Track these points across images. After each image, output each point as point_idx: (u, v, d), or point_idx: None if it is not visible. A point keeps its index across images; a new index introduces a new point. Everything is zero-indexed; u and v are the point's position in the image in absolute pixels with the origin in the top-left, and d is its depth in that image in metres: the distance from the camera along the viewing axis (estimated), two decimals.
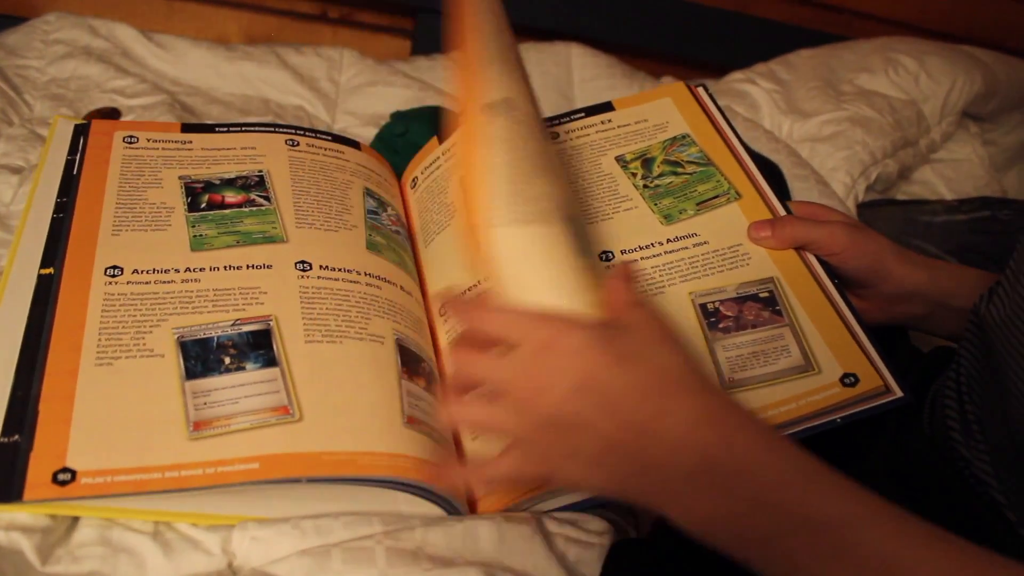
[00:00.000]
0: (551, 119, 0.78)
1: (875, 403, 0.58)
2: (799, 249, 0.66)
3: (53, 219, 0.62)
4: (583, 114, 0.79)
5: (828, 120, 1.11)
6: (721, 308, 0.63)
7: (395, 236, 0.70)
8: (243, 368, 0.55)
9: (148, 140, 0.70)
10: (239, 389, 0.54)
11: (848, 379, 0.58)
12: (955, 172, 1.19)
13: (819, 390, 0.58)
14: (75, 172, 0.66)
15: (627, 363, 0.45)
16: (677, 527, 0.46)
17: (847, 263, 0.66)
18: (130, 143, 0.70)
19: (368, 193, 0.72)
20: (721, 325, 0.62)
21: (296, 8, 1.36)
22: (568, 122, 0.78)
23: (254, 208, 0.66)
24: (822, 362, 0.60)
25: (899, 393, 0.58)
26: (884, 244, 0.67)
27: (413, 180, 0.77)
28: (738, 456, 0.44)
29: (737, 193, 0.71)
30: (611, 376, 0.44)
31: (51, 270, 0.59)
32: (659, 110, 0.79)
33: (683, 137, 0.75)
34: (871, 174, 1.07)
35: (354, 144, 0.77)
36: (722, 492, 0.44)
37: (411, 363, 0.60)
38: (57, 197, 0.64)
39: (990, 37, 1.41)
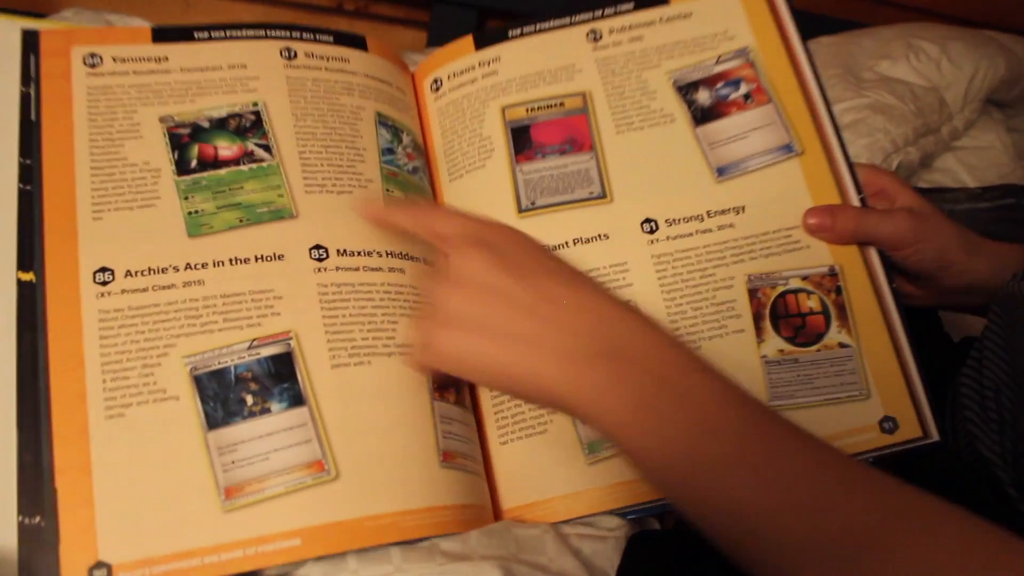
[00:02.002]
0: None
1: (907, 447, 0.57)
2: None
3: (21, 193, 0.53)
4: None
5: (849, 108, 1.06)
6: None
7: (412, 178, 0.62)
8: (268, 410, 0.51)
9: (115, 60, 0.59)
10: (268, 440, 0.51)
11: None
12: (978, 159, 1.15)
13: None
14: (33, 117, 0.55)
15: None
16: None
17: (910, 258, 0.61)
18: (93, 67, 0.58)
19: (381, 121, 0.62)
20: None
21: (312, 0, 1.36)
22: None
23: (253, 165, 0.58)
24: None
25: (935, 437, 0.57)
26: (950, 235, 0.62)
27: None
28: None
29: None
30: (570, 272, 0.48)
31: (31, 275, 0.52)
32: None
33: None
34: (892, 162, 1.02)
35: (360, 42, 0.65)
36: (615, 359, 0.44)
37: (439, 373, 0.57)
38: (20, 157, 0.54)
39: (1014, 22, 1.33)
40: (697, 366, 0.44)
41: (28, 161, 0.54)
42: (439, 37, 1.38)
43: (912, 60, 1.13)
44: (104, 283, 0.52)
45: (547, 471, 0.57)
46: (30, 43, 0.58)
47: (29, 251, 0.52)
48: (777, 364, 0.58)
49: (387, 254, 0.58)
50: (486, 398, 0.59)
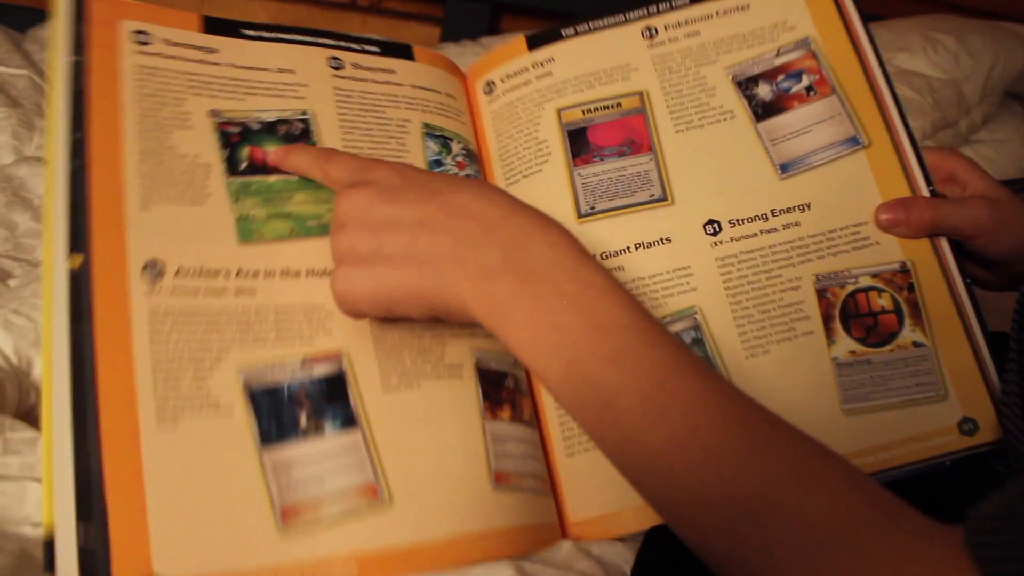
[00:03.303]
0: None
1: (984, 449, 0.54)
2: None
3: (72, 170, 0.50)
4: None
5: None
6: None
7: None
8: (322, 430, 0.50)
9: (165, 42, 0.56)
10: (322, 462, 0.49)
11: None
12: (997, 153, 1.14)
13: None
14: (80, 88, 0.52)
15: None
16: None
17: (987, 247, 0.58)
18: (143, 44, 0.56)
19: (428, 133, 0.61)
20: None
21: None
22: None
23: (304, 179, 0.56)
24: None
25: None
26: None
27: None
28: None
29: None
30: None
31: (80, 259, 0.48)
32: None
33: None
34: None
35: (406, 52, 0.64)
36: (527, 272, 0.44)
37: (492, 388, 0.55)
38: (71, 132, 0.51)
39: None
40: (606, 286, 0.44)
41: (78, 136, 0.51)
42: (452, 32, 1.39)
43: (929, 53, 1.12)
44: (154, 279, 0.50)
45: (617, 483, 0.54)
46: (78, 10, 0.55)
47: (78, 230, 0.49)
48: (849, 366, 0.56)
49: None
50: (550, 410, 0.57)
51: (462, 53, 1.18)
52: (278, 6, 1.35)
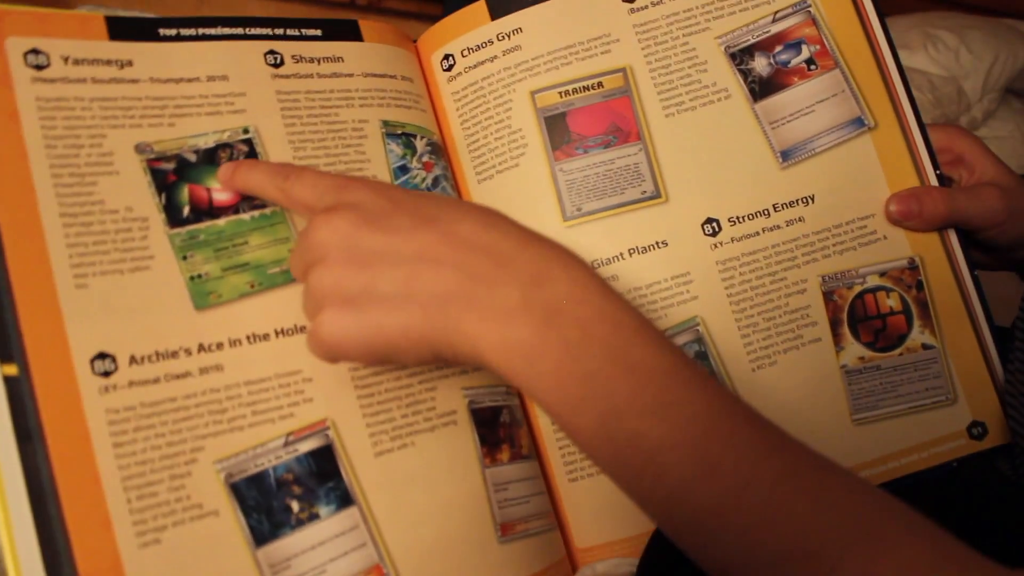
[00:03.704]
0: None
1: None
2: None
3: None
4: None
5: None
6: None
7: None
8: (317, 516, 0.45)
9: (65, 61, 0.46)
10: (321, 550, 0.45)
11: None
12: (998, 149, 1.10)
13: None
14: None
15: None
16: None
17: (997, 237, 0.56)
18: (39, 69, 0.45)
19: (389, 133, 0.53)
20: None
21: None
22: None
23: (255, 213, 0.48)
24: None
25: None
26: None
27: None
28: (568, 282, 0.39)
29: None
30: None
31: (14, 368, 0.41)
32: None
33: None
34: None
35: (352, 30, 0.55)
36: (551, 313, 0.38)
37: (489, 430, 0.51)
38: None
39: None
40: (640, 326, 0.39)
41: None
42: None
43: (930, 49, 1.11)
44: (106, 373, 0.43)
45: (623, 507, 0.53)
46: None
47: (4, 336, 0.41)
48: (858, 373, 0.53)
49: None
50: (549, 437, 0.54)
51: None
52: (278, 6, 1.31)
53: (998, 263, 0.59)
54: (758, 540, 0.35)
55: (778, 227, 0.54)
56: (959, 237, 0.55)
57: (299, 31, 0.53)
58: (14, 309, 0.42)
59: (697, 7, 0.56)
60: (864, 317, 0.54)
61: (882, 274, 0.54)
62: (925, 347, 0.54)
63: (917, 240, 0.54)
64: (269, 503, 0.45)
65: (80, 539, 0.41)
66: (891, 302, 0.54)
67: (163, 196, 0.47)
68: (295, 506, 0.45)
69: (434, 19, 1.35)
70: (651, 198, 0.54)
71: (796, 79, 0.55)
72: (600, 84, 0.55)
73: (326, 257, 0.41)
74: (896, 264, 0.54)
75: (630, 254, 0.53)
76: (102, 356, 0.43)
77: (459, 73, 0.56)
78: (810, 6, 0.56)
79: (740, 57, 0.55)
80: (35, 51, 0.46)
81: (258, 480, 0.45)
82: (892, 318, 0.54)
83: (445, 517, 0.49)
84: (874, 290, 0.54)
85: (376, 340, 0.40)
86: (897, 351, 0.54)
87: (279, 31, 0.52)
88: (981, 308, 0.54)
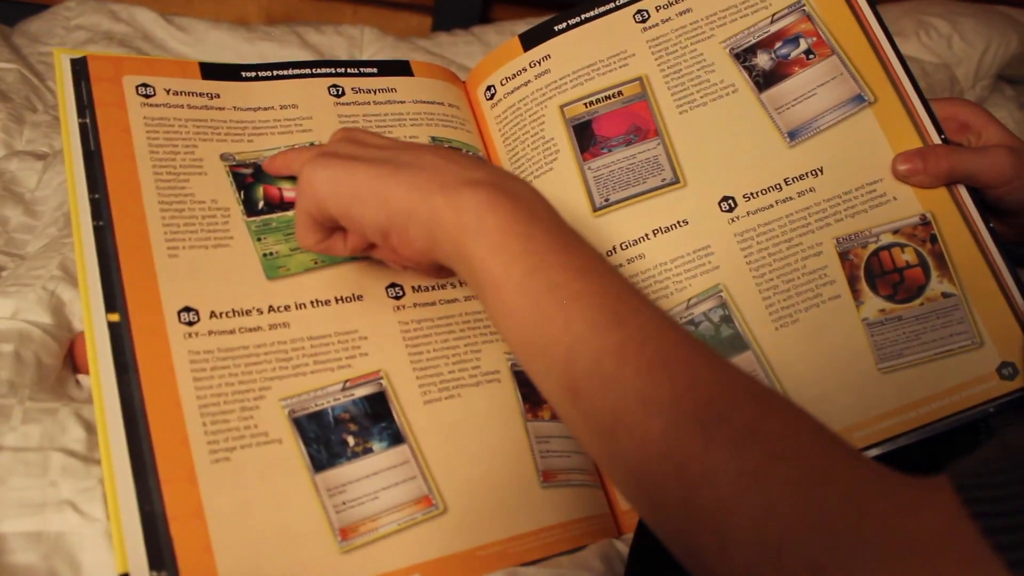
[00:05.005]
0: None
1: None
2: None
3: (95, 230, 0.52)
4: None
5: None
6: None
7: None
8: (371, 450, 0.51)
9: (167, 92, 0.58)
10: (374, 479, 0.51)
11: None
12: None
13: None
14: (92, 147, 0.54)
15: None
16: None
17: (1007, 196, 0.58)
18: (147, 97, 0.57)
19: None
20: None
21: None
22: None
23: None
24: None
25: None
26: None
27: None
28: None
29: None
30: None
31: (117, 316, 0.50)
32: None
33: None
34: None
35: (404, 68, 0.65)
36: (507, 184, 0.44)
37: (531, 390, 0.56)
38: (89, 193, 0.53)
39: None
40: (582, 239, 0.44)
41: (96, 196, 0.53)
42: (444, 22, 1.37)
43: (922, 37, 1.12)
44: (190, 323, 0.52)
45: None
46: (79, 71, 0.57)
47: (110, 291, 0.51)
48: (880, 325, 0.56)
49: (461, 284, 0.57)
50: None
51: (455, 43, 1.18)
52: (268, 1, 1.33)
53: (1014, 233, 0.61)
54: (653, 384, 0.37)
55: (790, 198, 0.58)
56: (971, 194, 0.58)
57: (358, 69, 0.63)
58: (120, 272, 0.51)
59: (702, 19, 0.63)
60: (881, 272, 0.57)
61: (895, 231, 0.57)
62: (945, 295, 0.56)
63: (927, 197, 0.58)
64: (327, 436, 0.51)
65: (163, 452, 0.48)
66: (907, 256, 0.57)
67: (242, 193, 0.56)
68: (351, 440, 0.51)
69: (426, 10, 1.37)
70: (671, 184, 0.60)
71: (797, 69, 0.61)
72: (620, 92, 0.62)
73: (324, 151, 0.49)
74: (908, 222, 0.57)
75: (654, 234, 0.59)
76: (187, 309, 0.52)
77: (500, 99, 0.65)
78: (804, 5, 0.62)
79: (744, 56, 0.62)
80: (144, 84, 0.58)
81: (318, 417, 0.51)
82: (909, 271, 0.57)
83: (490, 458, 0.53)
84: (889, 247, 0.57)
85: (344, 181, 0.46)
86: (917, 301, 0.56)
87: (340, 69, 0.63)
88: (1000, 255, 0.56)
